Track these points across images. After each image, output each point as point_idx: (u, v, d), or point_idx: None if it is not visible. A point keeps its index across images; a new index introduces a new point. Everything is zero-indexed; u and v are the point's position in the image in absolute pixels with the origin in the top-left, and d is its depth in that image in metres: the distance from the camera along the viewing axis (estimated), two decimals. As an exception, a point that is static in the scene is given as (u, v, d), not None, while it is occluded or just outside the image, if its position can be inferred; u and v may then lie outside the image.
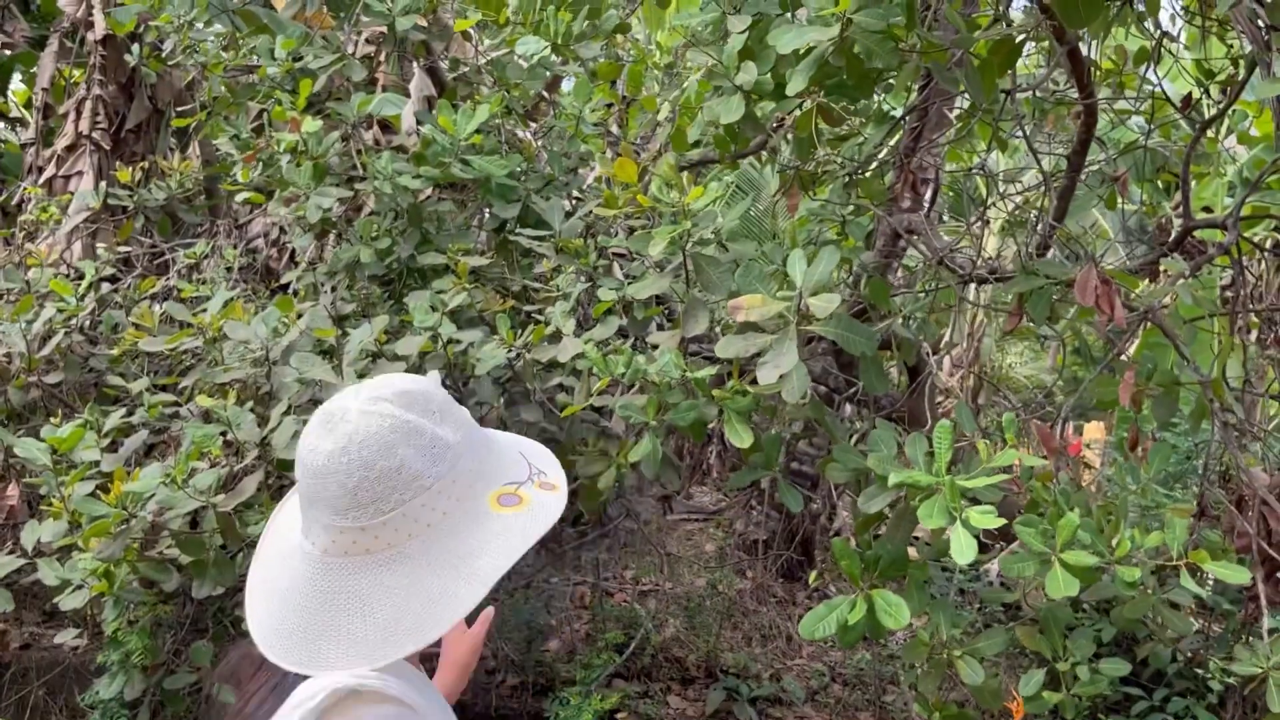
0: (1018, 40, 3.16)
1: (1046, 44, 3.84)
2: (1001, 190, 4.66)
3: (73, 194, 6.26)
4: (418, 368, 3.06)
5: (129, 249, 5.10)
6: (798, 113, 2.79)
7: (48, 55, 6.93)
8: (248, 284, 5.69)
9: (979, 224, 4.63)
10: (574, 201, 4.12)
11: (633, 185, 2.76)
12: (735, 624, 6.43)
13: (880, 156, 3.39)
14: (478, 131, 3.74)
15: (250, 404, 3.29)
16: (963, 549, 2.33)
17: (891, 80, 2.78)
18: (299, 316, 3.49)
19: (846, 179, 3.19)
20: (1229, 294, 5.52)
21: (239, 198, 4.09)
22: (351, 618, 1.17)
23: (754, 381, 2.70)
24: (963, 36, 2.42)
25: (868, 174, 3.28)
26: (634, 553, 7.05)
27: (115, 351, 3.68)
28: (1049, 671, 2.85)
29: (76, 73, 6.77)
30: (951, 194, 6.10)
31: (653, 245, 2.79)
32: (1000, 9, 3.03)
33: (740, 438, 2.70)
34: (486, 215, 4.35)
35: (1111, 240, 7.99)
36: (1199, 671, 4.90)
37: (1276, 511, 2.78)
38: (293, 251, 6.61)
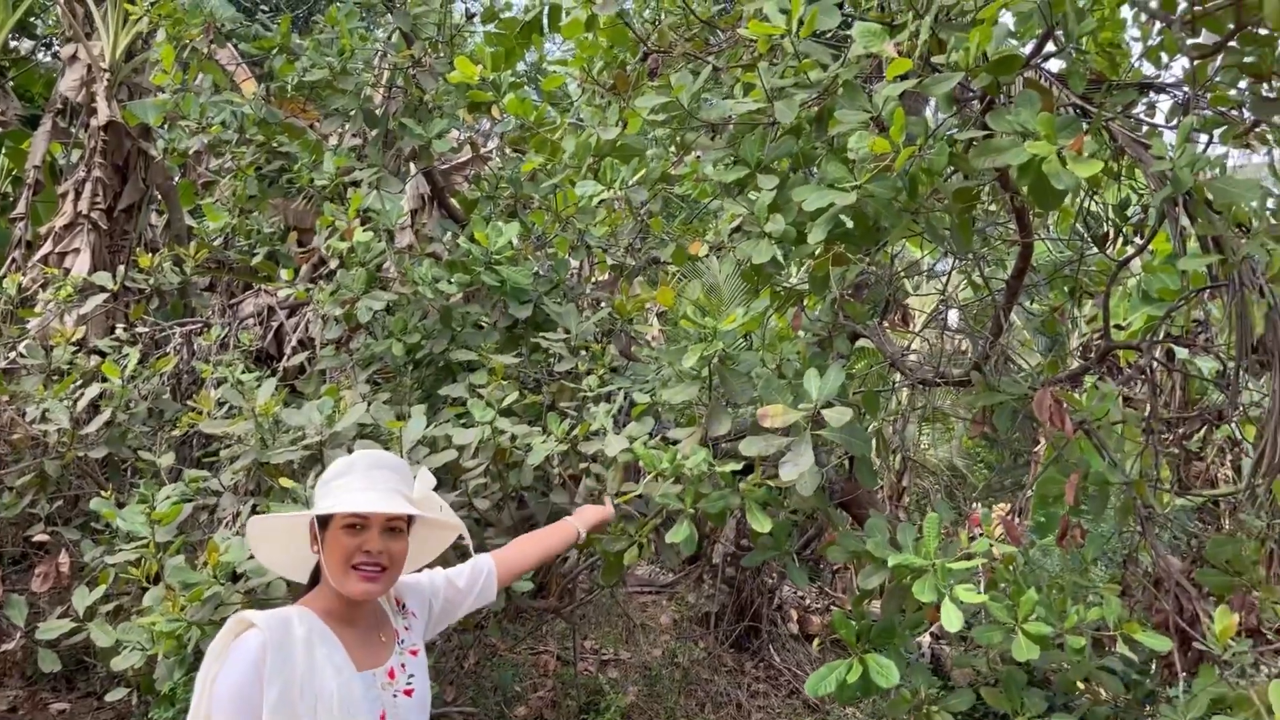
0: (974, 192, 3.83)
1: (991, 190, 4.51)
2: (947, 304, 5.32)
3: (69, 270, 6.54)
4: (473, 454, 3.51)
5: (144, 329, 5.42)
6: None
7: (41, 135, 7.23)
8: (245, 363, 6.02)
9: (929, 330, 5.27)
10: (583, 305, 4.64)
11: (671, 308, 3.28)
12: (690, 692, 6.85)
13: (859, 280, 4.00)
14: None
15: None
16: (952, 619, 2.86)
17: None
18: (347, 406, 3.90)
19: (834, 301, 3.78)
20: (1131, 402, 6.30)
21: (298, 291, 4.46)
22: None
23: (772, 476, 3.23)
24: (951, 204, 3.04)
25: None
26: (593, 624, 7.45)
27: (176, 433, 4.01)
28: (1008, 725, 3.39)
29: (73, 154, 7.07)
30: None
31: (686, 359, 3.32)
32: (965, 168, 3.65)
33: (760, 523, 3.21)
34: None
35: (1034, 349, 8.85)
36: (1112, 734, 5.49)
37: (1189, 592, 3.40)
38: (278, 329, 6.97)
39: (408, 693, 2.18)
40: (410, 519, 2.27)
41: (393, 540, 2.19)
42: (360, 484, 2.17)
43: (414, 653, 2.28)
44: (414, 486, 2.27)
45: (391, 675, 2.18)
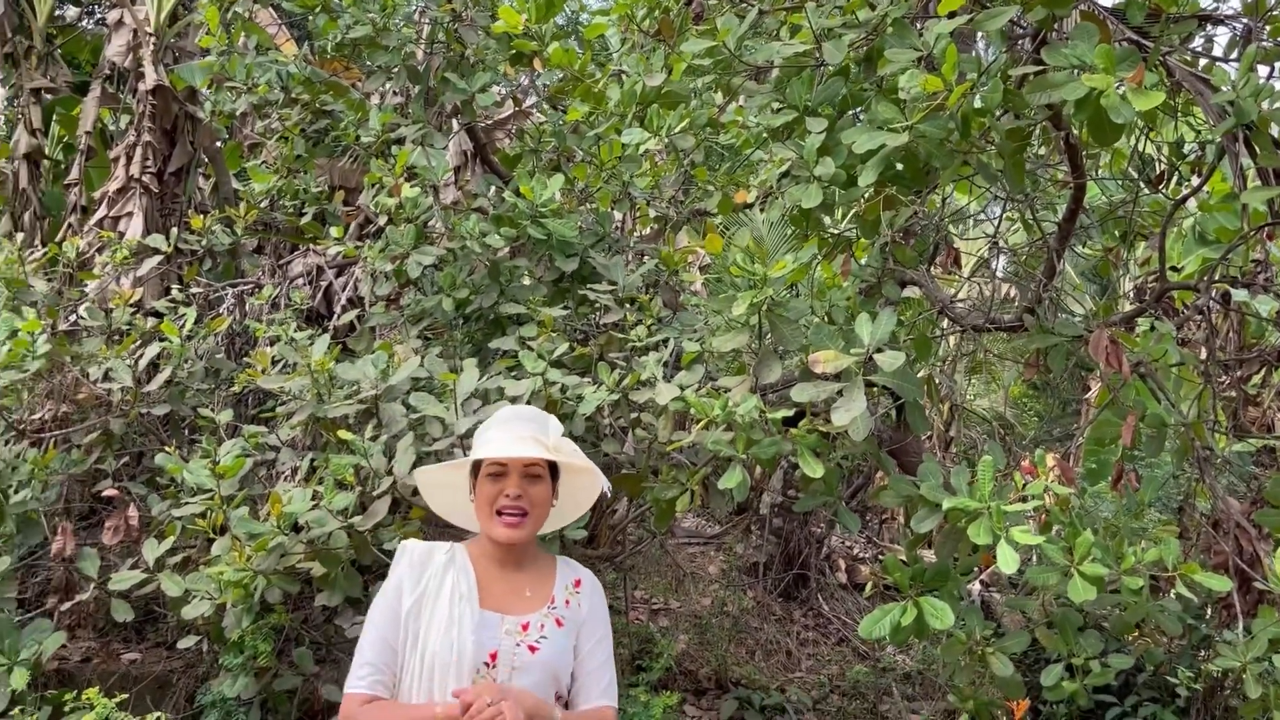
0: (1026, 131, 3.76)
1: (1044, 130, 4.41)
2: (998, 248, 5.24)
3: (123, 234, 6.65)
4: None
5: (198, 290, 5.51)
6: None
7: (91, 101, 7.33)
8: (297, 322, 6.11)
9: (977, 278, 5.20)
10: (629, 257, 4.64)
11: (718, 257, 3.28)
12: (740, 640, 6.92)
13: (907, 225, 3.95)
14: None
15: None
16: (1008, 561, 2.86)
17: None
18: (400, 360, 3.95)
19: (883, 246, 3.74)
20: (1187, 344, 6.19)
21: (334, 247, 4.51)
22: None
23: (825, 421, 3.23)
24: (1003, 144, 2.99)
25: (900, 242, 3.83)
26: (643, 574, 7.53)
27: (234, 389, 4.10)
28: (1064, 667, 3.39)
29: (122, 118, 7.17)
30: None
31: (736, 306, 3.32)
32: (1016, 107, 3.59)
33: (813, 469, 3.22)
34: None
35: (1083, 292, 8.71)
36: (1168, 679, 5.47)
37: (1249, 533, 3.36)
38: (328, 288, 7.05)
39: (532, 649, 2.25)
40: (553, 467, 2.37)
41: (532, 485, 2.31)
42: (500, 434, 2.32)
43: (559, 623, 2.32)
44: (549, 435, 2.36)
45: (525, 628, 2.27)
